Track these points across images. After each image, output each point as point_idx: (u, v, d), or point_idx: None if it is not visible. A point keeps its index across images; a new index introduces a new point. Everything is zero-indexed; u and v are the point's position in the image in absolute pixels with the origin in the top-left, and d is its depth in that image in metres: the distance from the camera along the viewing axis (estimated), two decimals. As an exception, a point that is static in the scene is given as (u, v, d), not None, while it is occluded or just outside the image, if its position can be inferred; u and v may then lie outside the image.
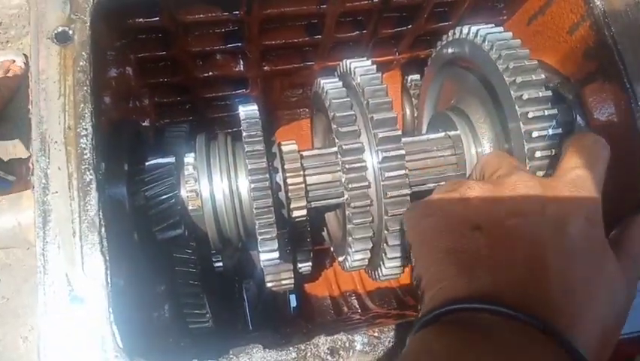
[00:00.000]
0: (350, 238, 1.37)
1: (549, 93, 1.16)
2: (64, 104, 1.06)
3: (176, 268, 1.58)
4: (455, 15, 1.77)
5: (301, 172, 1.40)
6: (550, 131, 1.14)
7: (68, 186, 0.99)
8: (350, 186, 1.29)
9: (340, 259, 1.59)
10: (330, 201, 1.45)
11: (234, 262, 1.86)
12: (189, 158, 1.39)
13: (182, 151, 1.43)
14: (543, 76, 1.17)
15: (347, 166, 1.28)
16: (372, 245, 1.37)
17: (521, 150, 1.16)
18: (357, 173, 1.29)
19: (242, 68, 1.72)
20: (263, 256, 1.37)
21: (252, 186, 1.26)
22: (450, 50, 1.45)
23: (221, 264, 1.81)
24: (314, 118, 1.69)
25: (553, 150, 1.14)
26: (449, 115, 1.45)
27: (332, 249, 1.76)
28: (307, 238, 1.90)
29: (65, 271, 0.94)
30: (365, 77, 1.33)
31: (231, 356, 0.94)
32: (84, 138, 1.02)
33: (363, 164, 1.29)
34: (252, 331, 2.24)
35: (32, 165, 1.05)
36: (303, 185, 1.41)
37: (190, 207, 1.36)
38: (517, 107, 1.15)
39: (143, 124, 1.68)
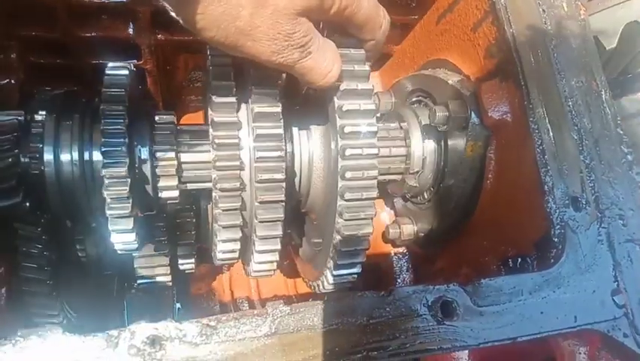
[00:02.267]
0: (216, 225, 1.21)
1: (370, 86, 1.07)
2: None
3: (21, 249, 1.34)
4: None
5: (173, 147, 1.24)
6: (365, 128, 1.05)
7: None
8: (218, 164, 1.14)
9: (212, 253, 1.42)
10: (202, 185, 1.29)
11: (102, 250, 1.63)
12: (39, 115, 1.19)
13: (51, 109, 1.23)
14: (368, 68, 1.09)
15: (217, 142, 1.13)
16: (241, 235, 1.21)
17: (336, 147, 1.07)
18: (227, 150, 1.13)
19: (131, 32, 1.54)
20: (115, 239, 1.18)
21: (103, 150, 1.07)
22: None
23: (84, 254, 1.58)
24: (204, 95, 1.54)
25: (363, 150, 1.05)
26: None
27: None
28: (191, 231, 1.72)
29: None
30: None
31: (18, 337, 0.75)
32: None
33: (235, 141, 1.14)
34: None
35: None
36: (175, 162, 1.24)
37: (31, 172, 1.15)
38: (335, 98, 1.06)
39: (3, 82, 1.46)
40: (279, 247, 1.16)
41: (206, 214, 1.66)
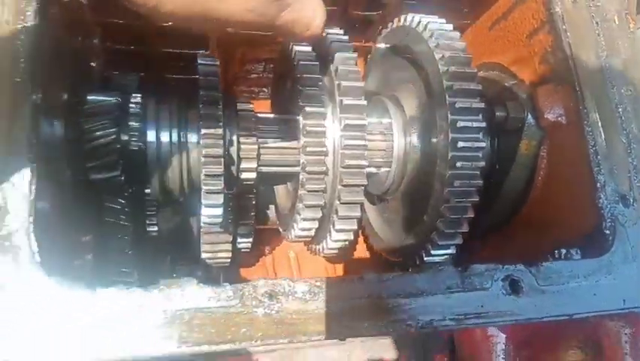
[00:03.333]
0: (300, 205, 1.32)
1: (479, 87, 1.20)
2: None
3: (106, 219, 1.46)
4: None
5: (255, 132, 1.36)
6: (475, 124, 1.17)
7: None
8: (308, 150, 1.25)
9: (285, 231, 1.54)
10: (282, 168, 1.40)
11: (171, 227, 1.75)
12: (136, 97, 1.30)
13: (129, 92, 1.34)
14: (475, 70, 1.21)
15: (307, 129, 1.24)
16: (321, 215, 1.33)
17: (446, 140, 1.18)
18: (316, 138, 1.25)
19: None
20: (206, 212, 1.29)
21: (204, 132, 1.19)
22: (392, 38, 1.48)
23: (155, 228, 1.70)
24: (275, 86, 1.65)
25: (474, 143, 1.17)
26: (385, 102, 1.46)
27: (277, 222, 1.70)
28: (251, 212, 1.83)
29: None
30: (337, 43, 1.31)
31: (161, 286, 0.87)
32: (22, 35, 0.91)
33: (323, 129, 1.26)
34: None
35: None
36: (256, 146, 1.36)
37: (131, 148, 1.26)
38: (447, 96, 1.18)
39: (91, 64, 1.57)
40: (356, 227, 1.28)
41: (268, 196, 1.77)
